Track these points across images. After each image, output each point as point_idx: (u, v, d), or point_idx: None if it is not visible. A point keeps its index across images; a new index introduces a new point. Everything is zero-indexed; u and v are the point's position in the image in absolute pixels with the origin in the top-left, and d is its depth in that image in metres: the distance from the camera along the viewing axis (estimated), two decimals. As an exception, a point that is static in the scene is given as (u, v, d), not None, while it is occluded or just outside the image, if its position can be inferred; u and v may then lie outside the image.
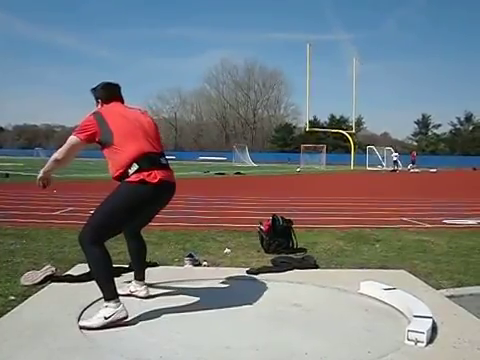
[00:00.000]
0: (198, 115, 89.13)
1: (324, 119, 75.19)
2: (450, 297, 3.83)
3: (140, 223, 3.51)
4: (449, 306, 3.49)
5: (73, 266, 4.56)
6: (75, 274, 4.12)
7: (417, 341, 2.71)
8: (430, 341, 2.74)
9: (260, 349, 2.71)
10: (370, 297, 3.67)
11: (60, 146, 3.28)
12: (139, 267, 3.65)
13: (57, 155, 3.26)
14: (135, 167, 3.09)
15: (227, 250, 5.72)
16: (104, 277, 3.03)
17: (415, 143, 75.53)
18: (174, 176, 3.32)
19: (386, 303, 3.53)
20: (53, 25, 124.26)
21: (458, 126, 73.48)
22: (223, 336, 2.91)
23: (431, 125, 75.91)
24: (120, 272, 4.18)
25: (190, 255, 4.99)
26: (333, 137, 65.39)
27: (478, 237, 6.98)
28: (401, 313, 3.32)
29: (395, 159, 41.13)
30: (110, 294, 3.02)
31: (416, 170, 38.49)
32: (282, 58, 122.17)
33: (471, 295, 4.08)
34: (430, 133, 76.16)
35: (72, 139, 3.23)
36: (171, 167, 3.34)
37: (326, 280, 4.13)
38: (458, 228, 7.92)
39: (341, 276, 4.33)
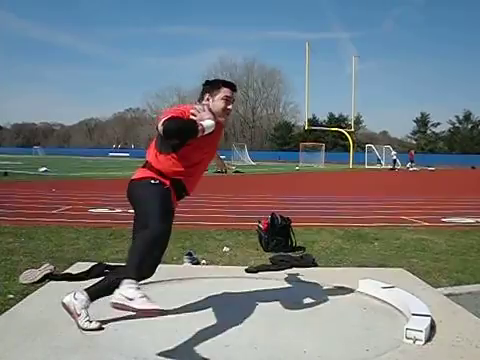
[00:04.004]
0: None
1: (323, 117, 75.31)
2: (448, 295, 3.84)
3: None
4: (447, 304, 3.49)
5: (72, 265, 4.55)
6: (74, 272, 4.12)
7: (415, 339, 2.71)
8: (428, 339, 2.74)
9: (259, 347, 2.71)
10: (368, 295, 3.67)
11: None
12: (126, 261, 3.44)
13: None
14: None
15: (226, 249, 5.72)
16: None
17: (414, 141, 75.56)
18: (133, 174, 3.16)
19: (384, 301, 3.53)
20: (52, 23, 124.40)
21: (457, 125, 73.57)
22: (222, 334, 2.90)
23: (430, 124, 76.03)
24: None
25: (189, 254, 4.99)
26: (332, 135, 65.44)
27: (476, 236, 6.99)
28: (399, 311, 3.32)
29: (394, 158, 41.16)
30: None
31: (415, 169, 38.51)
32: (281, 56, 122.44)
33: (469, 293, 4.09)
34: (429, 132, 76.22)
35: None
36: (141, 167, 3.15)
37: (325, 278, 4.13)
38: (457, 227, 7.93)
39: (340, 274, 4.33)
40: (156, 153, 3.04)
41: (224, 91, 3.00)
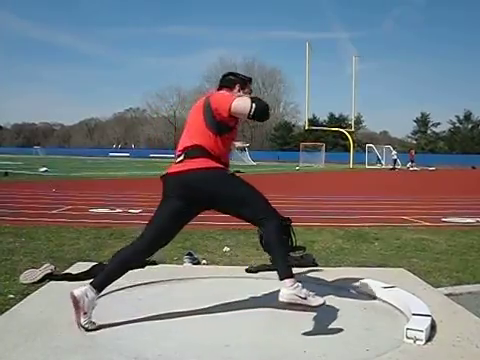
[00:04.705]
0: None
1: (323, 117, 75.32)
2: (449, 295, 3.84)
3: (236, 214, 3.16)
4: (448, 304, 3.49)
5: (72, 265, 4.55)
6: (74, 272, 4.12)
7: (416, 339, 2.71)
8: (429, 339, 2.74)
9: (259, 347, 2.71)
10: (369, 295, 3.67)
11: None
12: (273, 263, 3.17)
13: None
14: None
15: (226, 248, 5.72)
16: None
17: (414, 141, 75.54)
18: (183, 167, 2.98)
19: (385, 301, 3.53)
20: (52, 23, 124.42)
21: (457, 125, 73.55)
22: (222, 334, 2.91)
23: (430, 123, 76.04)
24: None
25: (189, 254, 4.99)
26: (332, 135, 65.40)
27: (477, 235, 6.99)
28: (400, 311, 3.32)
29: (395, 158, 41.16)
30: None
31: (415, 168, 38.51)
32: (281, 56, 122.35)
33: (470, 293, 4.09)
34: (429, 131, 76.23)
35: None
36: (189, 160, 2.98)
37: (325, 278, 4.14)
38: (457, 226, 7.93)
39: (340, 274, 4.32)
40: (211, 134, 3.01)
41: (249, 87, 3.28)
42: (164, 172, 3.10)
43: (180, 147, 3.08)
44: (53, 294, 3.58)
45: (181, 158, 3.04)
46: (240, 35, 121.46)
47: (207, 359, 2.57)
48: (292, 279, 2.88)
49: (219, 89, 3.24)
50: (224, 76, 3.30)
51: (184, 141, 3.08)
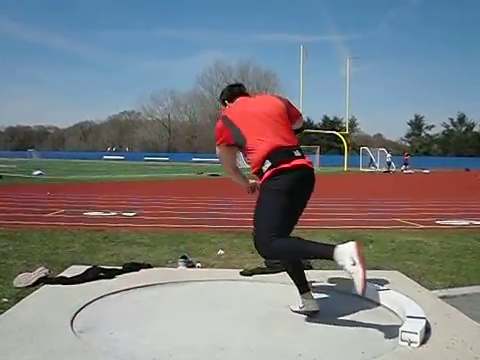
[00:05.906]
0: (191, 116, 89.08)
1: (317, 120, 75.55)
2: (443, 298, 3.85)
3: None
4: (442, 307, 3.50)
5: (66, 268, 4.54)
6: (68, 276, 4.10)
7: (410, 342, 2.71)
8: (423, 342, 2.75)
9: (254, 350, 2.71)
10: (363, 298, 3.67)
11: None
12: (298, 277, 3.39)
13: (225, 171, 3.59)
14: (268, 164, 3.00)
15: (221, 251, 5.72)
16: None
17: (408, 144, 75.91)
18: (311, 164, 3.22)
19: (379, 304, 3.54)
20: (47, 26, 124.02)
21: (451, 127, 74.03)
22: (217, 337, 2.90)
23: (424, 126, 76.45)
24: (113, 274, 4.16)
25: (184, 257, 4.98)
26: (326, 138, 65.54)
27: (471, 237, 7.02)
28: (394, 314, 3.33)
29: (389, 160, 41.31)
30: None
31: (409, 171, 38.66)
32: (276, 59, 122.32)
33: (464, 295, 4.11)
34: (423, 134, 76.65)
35: (216, 151, 3.34)
36: (300, 153, 3.12)
37: (320, 281, 4.14)
38: (451, 229, 7.96)
39: (334, 277, 4.33)
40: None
41: None
42: (295, 163, 3.02)
43: (286, 141, 3.09)
44: (47, 297, 3.57)
45: (299, 154, 3.10)
46: (235, 38, 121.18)
47: (202, 362, 2.57)
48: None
49: (235, 97, 3.39)
50: (240, 85, 3.50)
51: (287, 136, 3.12)
